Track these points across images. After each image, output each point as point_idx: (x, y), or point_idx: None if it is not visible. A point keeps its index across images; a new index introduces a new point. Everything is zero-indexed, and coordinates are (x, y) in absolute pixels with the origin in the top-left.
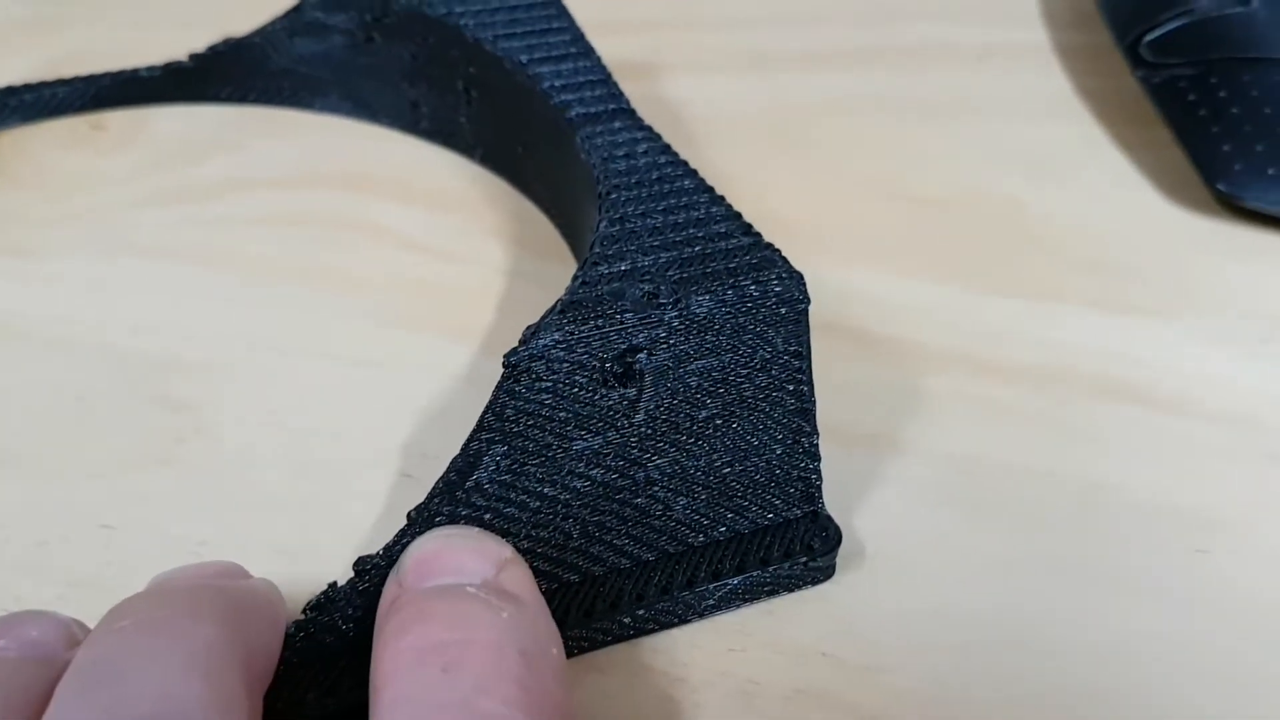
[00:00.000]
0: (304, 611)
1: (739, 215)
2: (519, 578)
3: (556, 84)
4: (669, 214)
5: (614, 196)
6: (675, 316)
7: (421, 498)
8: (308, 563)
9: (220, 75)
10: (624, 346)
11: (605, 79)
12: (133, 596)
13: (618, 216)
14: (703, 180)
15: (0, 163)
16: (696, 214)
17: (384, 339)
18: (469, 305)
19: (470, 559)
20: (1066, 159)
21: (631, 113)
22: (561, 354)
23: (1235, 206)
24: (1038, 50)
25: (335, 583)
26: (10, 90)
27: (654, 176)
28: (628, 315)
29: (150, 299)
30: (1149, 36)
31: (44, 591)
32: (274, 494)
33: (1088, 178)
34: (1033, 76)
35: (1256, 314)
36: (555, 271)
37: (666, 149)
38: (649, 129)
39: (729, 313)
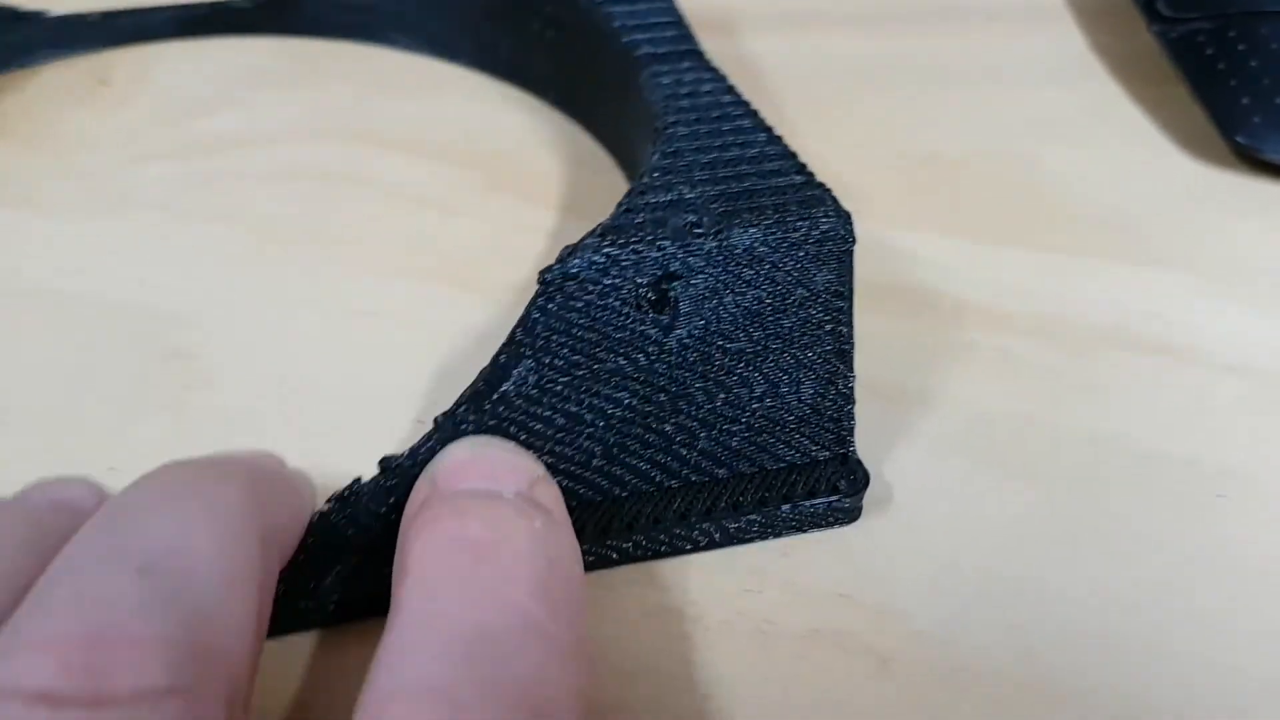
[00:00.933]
0: (327, 503)
1: (794, 155)
2: (550, 494)
3: (629, 23)
4: (723, 150)
5: (669, 131)
6: (715, 247)
7: None
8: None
9: (303, 7)
10: (659, 273)
11: (676, 21)
12: (165, 463)
13: (671, 150)
14: (762, 120)
15: (3, 119)
16: (751, 152)
17: (390, 292)
18: (475, 259)
19: (505, 470)
20: (1082, 117)
21: (699, 54)
22: (596, 275)
23: (1253, 160)
24: (1051, 11)
25: (360, 478)
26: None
27: (713, 115)
28: (665, 242)
29: (154, 254)
30: None
31: None
32: (278, 441)
33: (1104, 135)
34: (1047, 37)
35: (1273, 266)
36: (570, 226)
37: (730, 89)
38: (715, 70)
39: (769, 248)
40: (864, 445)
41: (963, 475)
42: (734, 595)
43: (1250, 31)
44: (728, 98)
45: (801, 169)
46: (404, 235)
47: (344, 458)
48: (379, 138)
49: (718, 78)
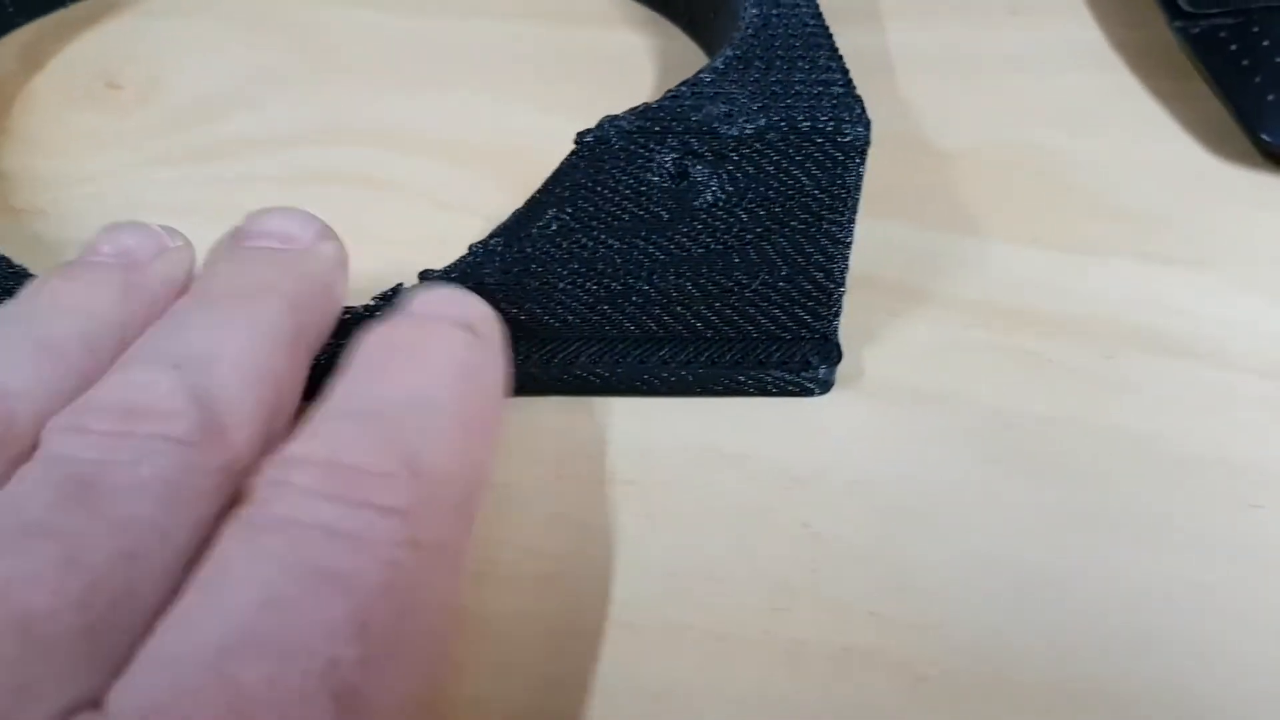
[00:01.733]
0: (372, 299)
1: (847, 73)
2: (490, 325)
3: None
4: (785, 61)
5: (740, 36)
6: (736, 133)
7: None
8: None
9: None
10: (682, 150)
11: None
12: (224, 259)
13: (735, 54)
14: (833, 43)
15: (11, 122)
16: (809, 66)
17: None
18: None
19: (449, 303)
20: (1101, 110)
21: None
22: (624, 142)
23: (1277, 157)
24: (1068, 4)
25: (401, 284)
26: None
27: (790, 31)
28: (694, 123)
29: None
30: None
31: None
32: None
33: (1123, 129)
34: (1064, 29)
35: None
36: None
37: (818, 15)
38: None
39: (776, 136)
40: (882, 449)
41: (989, 479)
42: (762, 613)
43: (1275, 27)
44: (812, 20)
45: (847, 84)
46: (423, 237)
47: None
48: (396, 138)
49: (811, 3)
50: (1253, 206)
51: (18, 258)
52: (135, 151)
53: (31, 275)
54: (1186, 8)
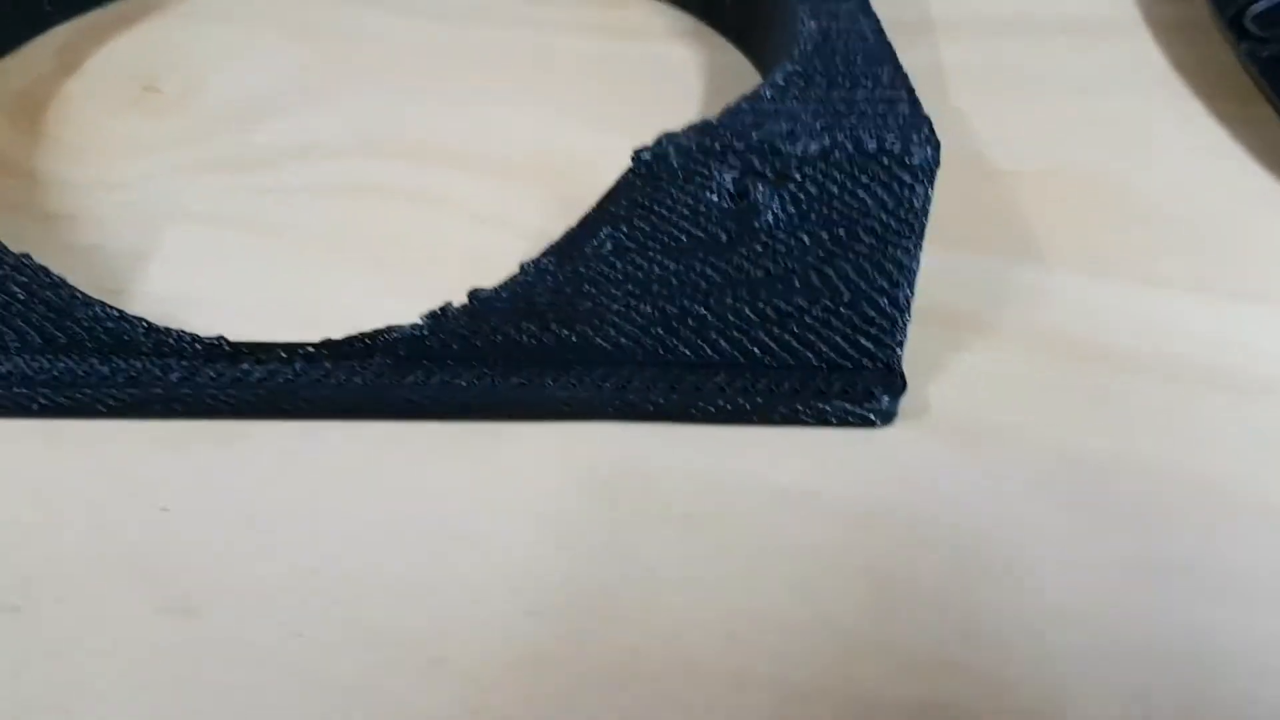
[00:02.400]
0: (421, 317)
1: (912, 90)
2: None
3: None
4: (848, 78)
5: (802, 50)
6: (799, 153)
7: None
8: (387, 557)
9: None
10: (743, 169)
11: None
12: None
13: (796, 69)
14: (897, 60)
15: (46, 125)
16: (873, 83)
17: None
18: None
19: None
20: (1163, 134)
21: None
22: (682, 161)
23: None
24: (1131, 24)
25: (450, 303)
26: None
27: (852, 46)
28: (755, 142)
29: (196, 270)
30: (1255, 9)
31: None
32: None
33: (1187, 154)
34: (1126, 50)
35: None
36: None
37: (878, 29)
38: (871, 10)
39: (841, 156)
40: (947, 490)
41: (1055, 522)
42: (832, 663)
43: None
44: (872, 34)
45: (914, 103)
46: (459, 254)
47: None
48: (436, 150)
49: (870, 17)
50: None
51: (52, 263)
52: (169, 158)
53: (70, 286)
54: (1254, 30)
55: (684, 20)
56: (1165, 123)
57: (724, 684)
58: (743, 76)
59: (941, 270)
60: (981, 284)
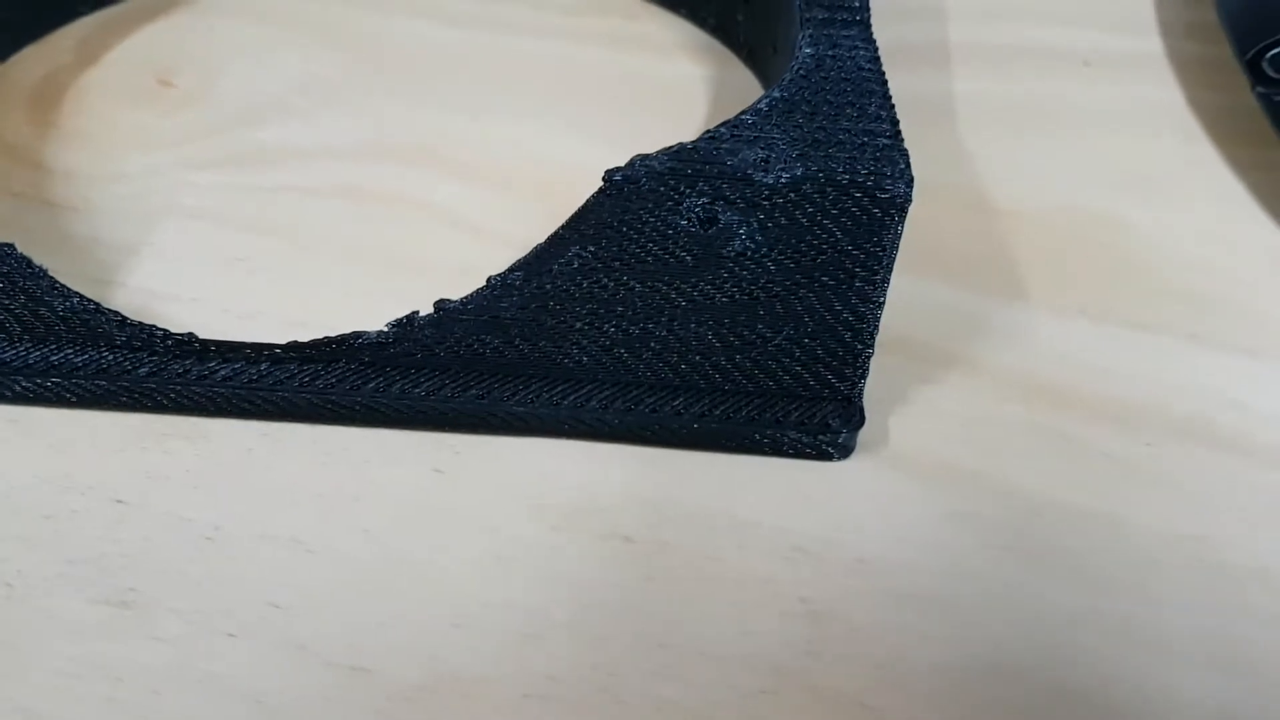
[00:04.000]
0: (387, 326)
1: (896, 122)
2: None
3: None
4: (833, 106)
5: (791, 78)
6: (770, 182)
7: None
8: (328, 560)
9: None
10: (713, 195)
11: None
12: None
13: (782, 95)
14: (887, 90)
15: (60, 116)
16: (858, 113)
17: None
18: None
19: None
20: (1172, 177)
21: (865, 24)
22: (653, 184)
23: None
24: (1149, 59)
25: (416, 312)
26: None
27: (843, 75)
28: (727, 168)
29: (185, 265)
30: (1273, 51)
31: None
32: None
33: (1192, 199)
34: (1141, 87)
35: None
36: None
37: (875, 60)
38: (871, 40)
39: (813, 187)
40: (895, 528)
41: (1006, 571)
42: (750, 695)
43: None
44: (867, 65)
45: (895, 134)
46: (450, 263)
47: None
48: (437, 158)
49: (869, 46)
50: None
51: (47, 253)
52: (175, 152)
53: (49, 277)
54: (1271, 73)
55: (698, 36)
56: (1175, 165)
57: (642, 712)
58: (749, 96)
59: (920, 302)
60: (960, 320)
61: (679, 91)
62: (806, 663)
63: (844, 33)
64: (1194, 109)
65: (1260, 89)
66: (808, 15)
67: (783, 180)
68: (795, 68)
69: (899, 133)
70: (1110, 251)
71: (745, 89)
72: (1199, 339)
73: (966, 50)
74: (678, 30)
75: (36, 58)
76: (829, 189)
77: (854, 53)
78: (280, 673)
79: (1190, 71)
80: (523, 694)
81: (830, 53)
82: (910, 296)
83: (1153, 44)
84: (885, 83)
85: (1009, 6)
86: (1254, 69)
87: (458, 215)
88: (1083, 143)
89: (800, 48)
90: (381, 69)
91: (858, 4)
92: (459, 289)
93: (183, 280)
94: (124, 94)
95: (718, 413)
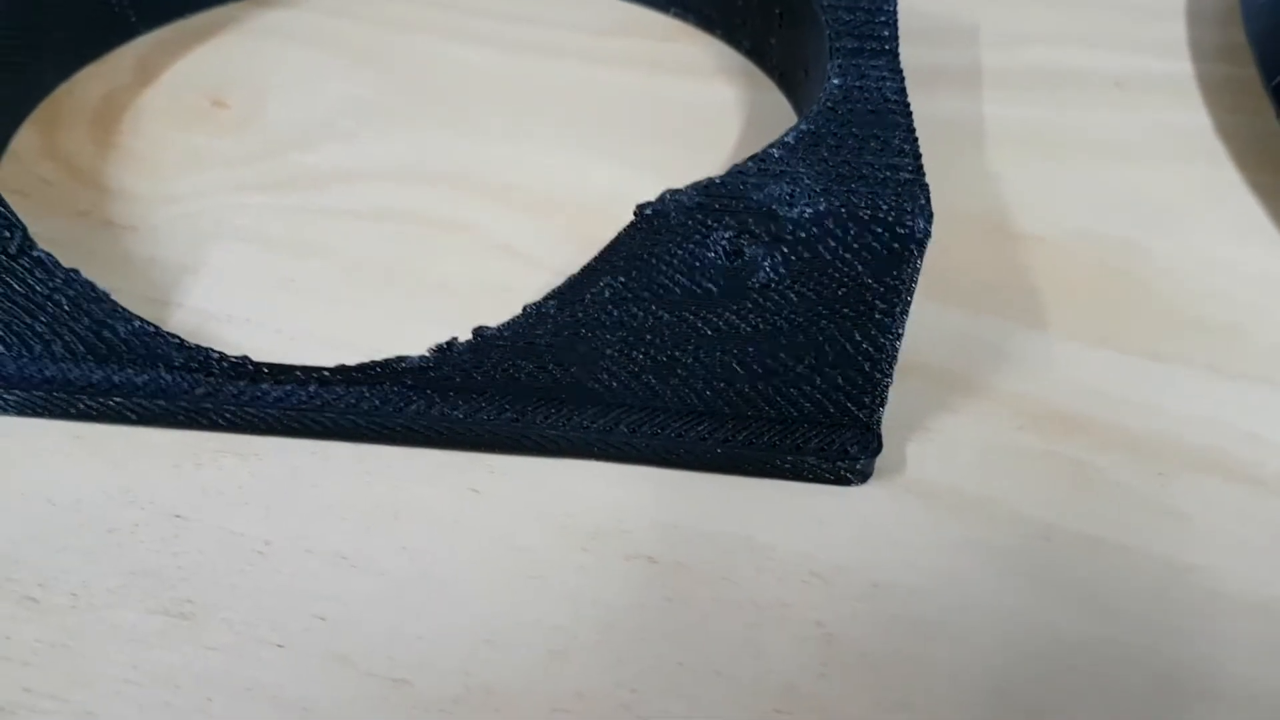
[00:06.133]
0: (429, 351)
1: (919, 156)
2: None
3: (844, 19)
4: (859, 140)
5: (818, 110)
6: (794, 216)
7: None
8: (369, 575)
9: None
10: (739, 229)
11: (890, 23)
12: None
13: (808, 129)
14: (911, 123)
15: (119, 136)
16: (882, 146)
17: None
18: None
19: None
20: (1194, 203)
21: (893, 54)
22: (681, 218)
23: None
24: (1180, 82)
25: (456, 338)
26: None
27: (869, 108)
28: (753, 203)
29: (235, 287)
30: None
31: None
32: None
33: (1216, 227)
34: (1167, 110)
35: None
36: None
37: (901, 91)
38: (899, 71)
39: (835, 223)
40: (906, 553)
41: (1014, 599)
42: (764, 714)
43: None
44: (894, 96)
45: (917, 169)
46: (490, 287)
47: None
48: (480, 182)
49: (896, 77)
50: None
51: (108, 273)
52: (227, 174)
53: (112, 301)
54: None
55: (733, 58)
56: (1199, 193)
57: None
58: (781, 120)
59: (941, 328)
60: (980, 347)
61: (713, 115)
62: (819, 685)
63: (872, 63)
64: (1221, 134)
65: None
66: (837, 45)
67: (806, 215)
68: (823, 99)
69: (920, 167)
70: (1130, 280)
71: (778, 112)
72: (1216, 369)
73: (997, 74)
74: (714, 52)
75: (98, 76)
76: (850, 224)
77: (881, 84)
78: (324, 682)
79: (1220, 95)
80: (551, 709)
81: (858, 84)
82: (930, 322)
83: (1184, 66)
84: (910, 115)
85: (1041, 29)
86: (1278, 93)
87: (496, 239)
88: (1108, 168)
89: (829, 77)
90: (424, 93)
91: (887, 33)
92: (497, 312)
93: (235, 301)
94: (179, 115)
95: (740, 438)
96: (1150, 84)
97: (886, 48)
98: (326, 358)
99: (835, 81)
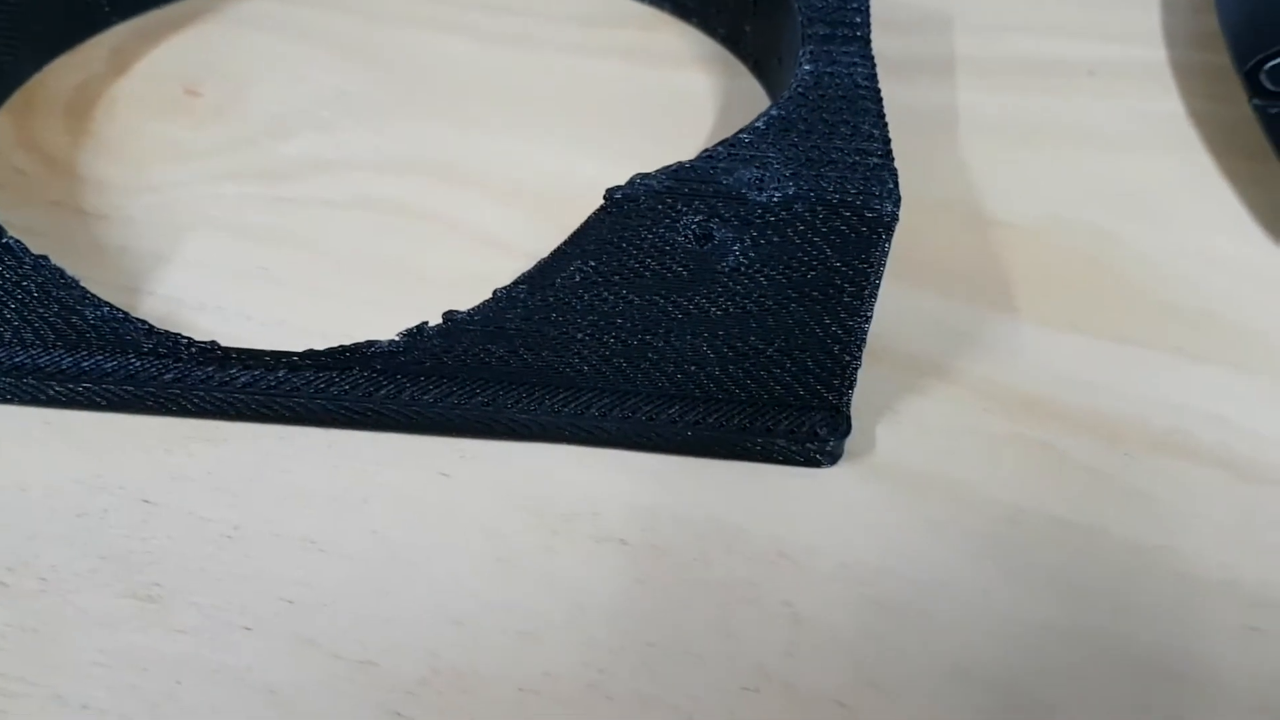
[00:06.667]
0: (398, 335)
1: (888, 141)
2: None
3: (816, 5)
4: (828, 125)
5: (789, 96)
6: (761, 202)
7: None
8: (338, 559)
9: None
10: (708, 213)
11: (862, 9)
12: None
13: (778, 114)
14: (881, 108)
15: (94, 125)
16: (851, 131)
17: None
18: None
19: None
20: (1167, 190)
21: (864, 41)
22: (651, 202)
23: None
24: (1154, 69)
25: (426, 322)
26: None
27: (839, 93)
28: (723, 187)
29: (208, 275)
30: (1271, 63)
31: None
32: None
33: (1187, 213)
34: (1142, 97)
35: None
36: None
37: (872, 77)
38: (870, 57)
39: (803, 206)
40: (875, 537)
41: (983, 579)
42: (731, 693)
43: None
44: (864, 82)
45: (886, 153)
46: (464, 275)
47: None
48: (456, 172)
49: (867, 63)
50: None
51: (81, 261)
52: (203, 164)
53: (81, 287)
54: (1269, 86)
55: (710, 46)
56: (1172, 179)
57: (629, 708)
58: (756, 107)
59: (911, 313)
60: (949, 332)
61: (689, 103)
62: (786, 663)
63: (844, 49)
64: (1195, 120)
65: (1257, 101)
66: (809, 31)
67: (775, 199)
68: (794, 85)
69: (890, 151)
70: (1100, 265)
71: (753, 99)
72: (1184, 352)
73: (972, 62)
74: (690, 40)
75: (71, 66)
76: (819, 207)
77: (852, 70)
78: (291, 665)
79: (1194, 81)
80: (519, 689)
81: (829, 70)
82: (901, 307)
83: (1158, 53)
84: (880, 100)
85: (1016, 18)
86: (1252, 80)
87: (472, 227)
88: (1081, 155)
89: (801, 64)
90: (401, 82)
91: (859, 19)
92: (473, 301)
93: (208, 289)
94: (153, 104)
95: (711, 420)
96: (1124, 71)
97: (858, 34)
98: (298, 345)
99: (807, 67)
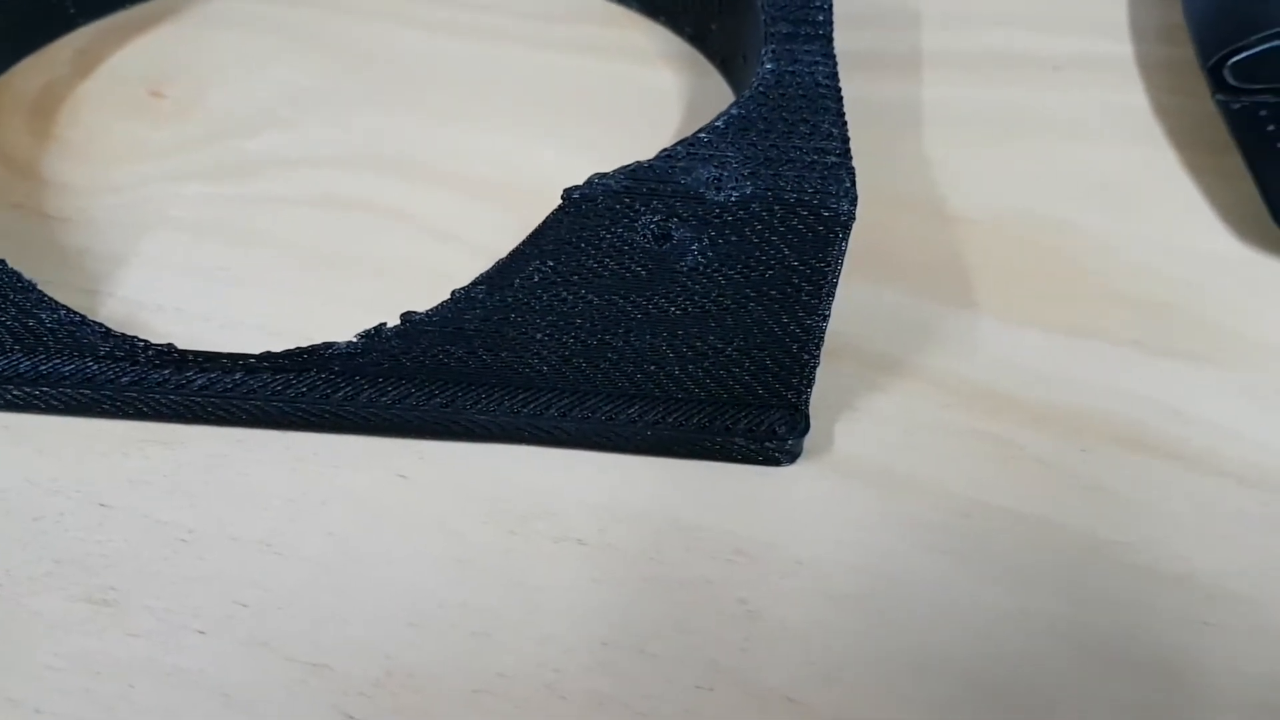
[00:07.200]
0: (356, 336)
1: (846, 139)
2: None
3: (779, 4)
4: (787, 123)
5: (748, 95)
6: (719, 201)
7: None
8: (294, 561)
9: None
10: (666, 213)
11: (825, 7)
12: None
13: (738, 113)
14: (840, 106)
15: (57, 127)
16: (810, 130)
17: None
18: None
19: None
20: (1130, 184)
21: (826, 39)
22: (609, 202)
23: None
24: (1120, 63)
25: (384, 324)
26: None
27: (799, 92)
28: (680, 187)
29: (169, 276)
30: (1235, 59)
31: None
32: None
33: (1149, 206)
34: (1107, 91)
35: None
36: None
37: (833, 75)
38: (831, 55)
39: (760, 206)
40: (833, 529)
41: (937, 571)
42: (686, 690)
43: None
44: (825, 81)
45: (844, 152)
46: (425, 272)
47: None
48: (420, 168)
49: (829, 61)
50: (1270, 302)
51: (41, 264)
52: (164, 164)
53: (38, 290)
54: (1231, 81)
55: (676, 44)
56: (1134, 173)
57: (582, 707)
58: (722, 106)
59: (870, 309)
60: (908, 327)
61: (656, 101)
62: (740, 660)
63: (805, 48)
64: (1160, 114)
65: (1220, 96)
66: (772, 30)
67: (733, 198)
68: (755, 84)
69: (848, 150)
70: (1061, 258)
71: (719, 98)
72: (1142, 345)
73: (937, 57)
74: (657, 38)
75: (36, 68)
76: (776, 207)
77: (813, 68)
78: (245, 668)
79: (1160, 76)
80: (472, 689)
81: (790, 68)
82: (860, 303)
83: (1124, 48)
84: (840, 99)
85: (981, 12)
86: (1215, 76)
87: (436, 225)
88: (1045, 149)
89: (763, 62)
90: (366, 79)
91: (821, 18)
92: (436, 299)
93: (167, 291)
94: (117, 105)
95: (670, 420)
96: (1089, 65)
97: (821, 33)
98: (258, 346)
99: (768, 66)
